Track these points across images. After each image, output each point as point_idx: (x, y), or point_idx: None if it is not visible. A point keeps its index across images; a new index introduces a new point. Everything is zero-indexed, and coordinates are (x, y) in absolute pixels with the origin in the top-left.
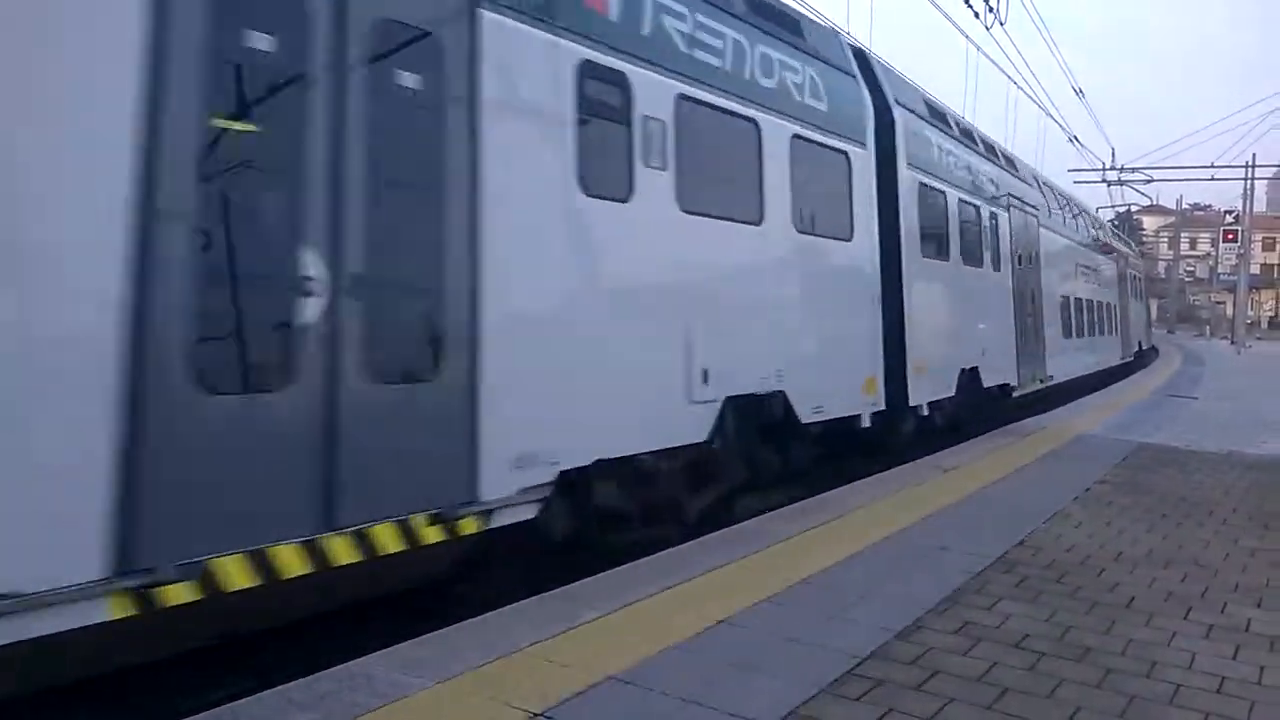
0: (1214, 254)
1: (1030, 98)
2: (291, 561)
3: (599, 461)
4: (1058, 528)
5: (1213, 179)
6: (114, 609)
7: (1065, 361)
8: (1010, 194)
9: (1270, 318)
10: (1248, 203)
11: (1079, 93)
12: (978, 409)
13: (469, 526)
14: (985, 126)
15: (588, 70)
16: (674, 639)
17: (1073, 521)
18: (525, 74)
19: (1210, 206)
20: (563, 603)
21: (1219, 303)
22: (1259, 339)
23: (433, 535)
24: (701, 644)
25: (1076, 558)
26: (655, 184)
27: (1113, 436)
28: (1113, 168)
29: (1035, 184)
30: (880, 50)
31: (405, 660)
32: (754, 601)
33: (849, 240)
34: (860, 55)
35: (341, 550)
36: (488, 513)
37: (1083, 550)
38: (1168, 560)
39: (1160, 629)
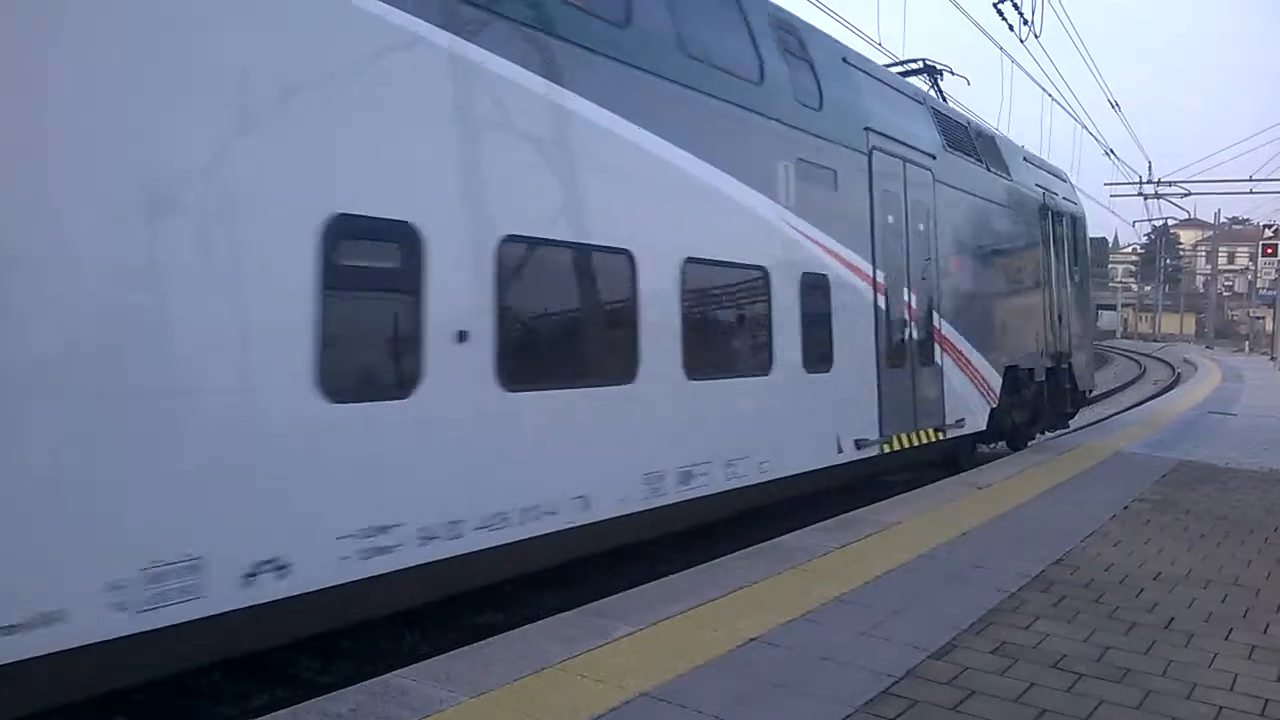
0: (1253, 268)
1: (1065, 110)
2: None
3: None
4: (1096, 546)
5: (1251, 192)
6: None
7: None
8: None
9: None
10: None
11: (1115, 106)
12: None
13: (940, 435)
14: (1020, 138)
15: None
16: (707, 656)
17: (1111, 540)
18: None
19: (1249, 220)
20: (595, 618)
21: (1258, 318)
22: None
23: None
24: (734, 661)
25: (1115, 577)
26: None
27: (1151, 454)
28: (1149, 181)
29: None
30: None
31: (438, 674)
32: (787, 619)
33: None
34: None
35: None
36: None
37: (1121, 569)
38: (1208, 580)
39: (1201, 650)
